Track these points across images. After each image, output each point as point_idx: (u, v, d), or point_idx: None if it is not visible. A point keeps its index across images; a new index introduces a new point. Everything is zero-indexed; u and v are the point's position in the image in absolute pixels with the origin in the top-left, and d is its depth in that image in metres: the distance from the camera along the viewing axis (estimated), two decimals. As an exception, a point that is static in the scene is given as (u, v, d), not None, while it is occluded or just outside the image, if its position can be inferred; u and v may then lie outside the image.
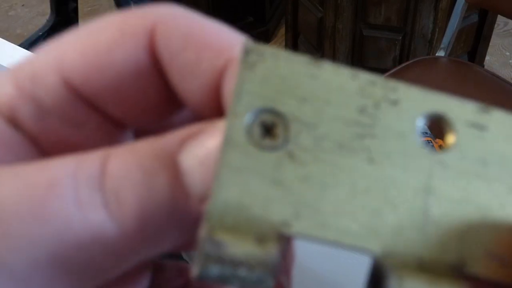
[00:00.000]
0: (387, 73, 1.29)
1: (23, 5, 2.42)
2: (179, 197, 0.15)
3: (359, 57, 1.61)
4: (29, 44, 1.87)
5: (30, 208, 0.15)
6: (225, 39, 0.17)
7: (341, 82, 0.15)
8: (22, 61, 0.18)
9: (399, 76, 1.28)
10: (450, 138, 0.15)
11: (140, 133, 0.20)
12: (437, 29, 1.47)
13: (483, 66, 1.79)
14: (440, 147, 1.18)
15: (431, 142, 1.03)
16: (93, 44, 0.17)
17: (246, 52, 0.15)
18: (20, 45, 0.67)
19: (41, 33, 1.90)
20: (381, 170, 0.15)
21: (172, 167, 0.15)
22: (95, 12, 2.36)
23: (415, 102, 0.15)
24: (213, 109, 0.17)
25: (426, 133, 1.05)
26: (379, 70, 1.57)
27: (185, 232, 0.16)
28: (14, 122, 0.18)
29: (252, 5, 2.05)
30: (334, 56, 1.60)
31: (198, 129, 0.16)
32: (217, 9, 1.98)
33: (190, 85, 0.17)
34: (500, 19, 2.11)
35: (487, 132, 0.15)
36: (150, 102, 0.18)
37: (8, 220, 0.15)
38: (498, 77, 1.29)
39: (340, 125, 0.15)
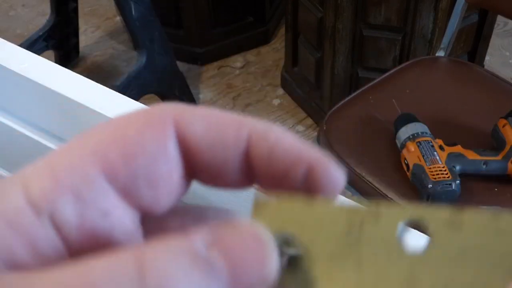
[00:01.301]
0: (387, 73, 1.29)
1: (23, 5, 2.42)
2: None
3: (359, 57, 1.61)
4: (29, 44, 1.86)
5: None
6: (238, 116, 0.20)
7: (331, 210, 0.19)
8: (55, 151, 0.19)
9: (399, 76, 1.28)
10: (429, 237, 0.18)
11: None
12: (437, 29, 1.47)
13: (483, 66, 1.79)
14: (440, 147, 1.17)
15: (431, 142, 1.03)
16: (125, 134, 0.19)
17: (256, 200, 0.19)
18: (20, 45, 0.67)
19: (41, 33, 1.90)
20: (369, 270, 0.18)
21: (204, 267, 0.17)
22: (95, 12, 2.36)
23: (395, 215, 0.18)
24: (244, 174, 0.20)
25: (426, 133, 1.05)
26: (379, 70, 1.57)
27: None
28: (52, 218, 0.18)
29: (252, 5, 2.05)
30: (334, 56, 1.60)
31: (219, 228, 0.18)
32: (217, 9, 1.98)
33: (221, 162, 0.20)
34: (500, 19, 2.11)
35: (462, 228, 0.18)
36: (173, 185, 0.20)
37: None
38: (498, 77, 1.29)
39: (332, 242, 0.18)
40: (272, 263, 0.17)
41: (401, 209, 0.18)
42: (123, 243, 0.19)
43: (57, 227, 0.18)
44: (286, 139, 0.20)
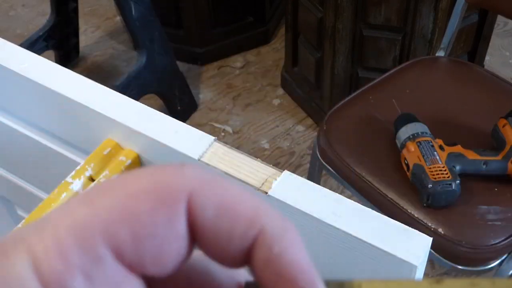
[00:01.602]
0: (387, 73, 1.29)
1: (23, 5, 2.42)
2: None
3: (359, 57, 1.61)
4: (29, 44, 1.86)
5: None
6: (254, 208, 0.20)
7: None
8: (60, 214, 0.19)
9: (399, 76, 1.28)
10: None
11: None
12: (437, 29, 1.47)
13: (483, 66, 1.79)
14: (440, 147, 1.17)
15: (431, 142, 1.03)
16: (136, 213, 0.19)
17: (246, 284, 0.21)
18: (20, 45, 0.67)
19: (41, 33, 1.90)
20: None
21: None
22: (95, 12, 2.36)
23: None
24: (241, 260, 0.20)
25: (426, 133, 1.05)
26: (379, 70, 1.57)
27: None
28: None
29: (252, 5, 2.05)
30: (334, 56, 1.60)
31: None
32: (217, 9, 1.98)
33: (223, 249, 0.20)
34: (500, 19, 2.11)
35: None
36: (179, 258, 0.20)
37: None
38: (498, 77, 1.29)
39: None
40: None
41: (383, 284, 0.20)
42: None
43: None
44: (288, 257, 0.19)
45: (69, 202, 0.19)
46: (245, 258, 0.20)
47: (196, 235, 0.20)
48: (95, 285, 0.18)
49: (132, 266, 0.19)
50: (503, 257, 1.00)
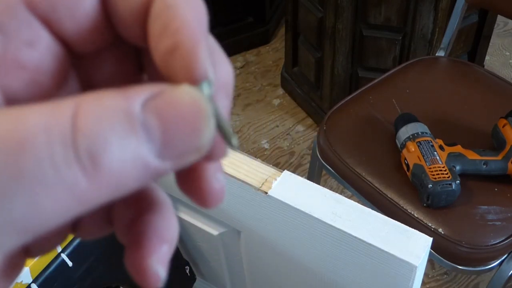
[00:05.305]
0: (387, 73, 1.29)
1: (23, 5, 2.43)
2: (145, 156, 0.16)
3: (359, 57, 1.61)
4: (29, 44, 1.86)
5: (4, 165, 0.15)
6: None
7: None
8: None
9: (399, 76, 1.28)
10: None
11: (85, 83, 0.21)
12: (437, 29, 1.47)
13: (483, 66, 1.79)
14: (440, 147, 1.17)
15: (431, 142, 1.03)
16: None
17: None
18: (20, 45, 0.67)
19: (41, 33, 1.90)
20: None
21: (139, 129, 0.16)
22: (95, 12, 2.37)
23: None
24: (140, 33, 0.19)
25: (426, 133, 1.05)
26: (379, 70, 1.57)
27: (147, 182, 0.17)
28: None
29: (252, 5, 2.05)
30: (334, 56, 1.60)
31: (159, 89, 0.17)
32: (217, 9, 1.98)
33: (123, 6, 0.19)
34: (500, 19, 2.11)
35: None
36: (94, 25, 0.19)
37: None
38: (498, 77, 1.29)
39: None
40: (207, 135, 0.17)
41: None
42: (53, 84, 0.19)
43: None
44: (178, 11, 0.19)
45: None
46: (141, 23, 0.19)
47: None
48: (8, 36, 0.18)
49: (46, 20, 0.19)
50: (503, 257, 1.00)
